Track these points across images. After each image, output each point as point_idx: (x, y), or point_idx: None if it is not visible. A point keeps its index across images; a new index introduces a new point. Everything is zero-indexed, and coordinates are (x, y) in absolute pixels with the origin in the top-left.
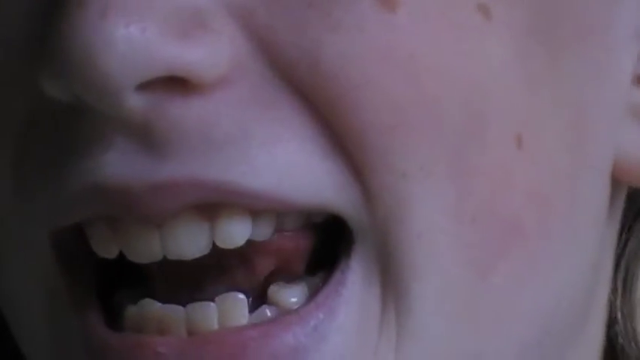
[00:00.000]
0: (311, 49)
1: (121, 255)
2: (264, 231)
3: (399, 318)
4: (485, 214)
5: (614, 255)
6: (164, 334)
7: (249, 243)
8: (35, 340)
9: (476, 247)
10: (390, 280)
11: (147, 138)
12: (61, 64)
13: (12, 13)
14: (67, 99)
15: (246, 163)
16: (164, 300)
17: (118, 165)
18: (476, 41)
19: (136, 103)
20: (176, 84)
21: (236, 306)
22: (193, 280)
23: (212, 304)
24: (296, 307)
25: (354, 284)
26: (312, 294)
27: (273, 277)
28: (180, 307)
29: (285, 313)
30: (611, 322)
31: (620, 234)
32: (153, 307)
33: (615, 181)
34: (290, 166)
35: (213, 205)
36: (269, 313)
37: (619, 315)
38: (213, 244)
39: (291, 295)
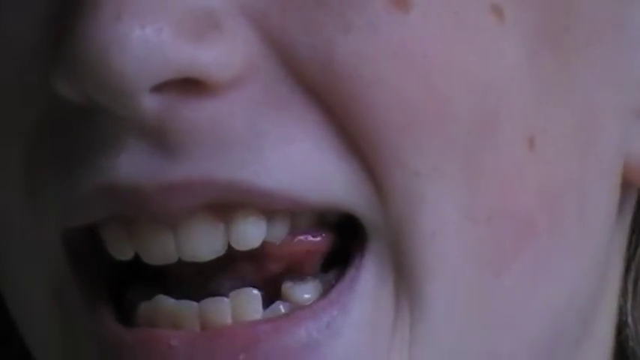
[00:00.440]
0: (324, 49)
1: (135, 255)
2: (278, 232)
3: (413, 316)
4: (497, 213)
5: (625, 258)
6: (177, 329)
7: (264, 244)
8: (46, 341)
9: (488, 246)
10: (404, 278)
11: (160, 139)
12: (75, 66)
13: (24, 14)
14: (80, 100)
15: (260, 163)
16: (177, 296)
17: (132, 166)
18: (488, 42)
19: (150, 104)
20: (190, 85)
21: (250, 301)
22: (207, 276)
23: (225, 299)
24: (309, 303)
25: (368, 281)
26: (326, 291)
27: (286, 274)
28: (193, 303)
29: (298, 309)
30: (621, 326)
31: (631, 237)
32: (166, 302)
33: (626, 184)
34: (303, 165)
35: (227, 206)
36: (282, 309)
37: (629, 319)
38: (228, 246)
39: (304, 291)
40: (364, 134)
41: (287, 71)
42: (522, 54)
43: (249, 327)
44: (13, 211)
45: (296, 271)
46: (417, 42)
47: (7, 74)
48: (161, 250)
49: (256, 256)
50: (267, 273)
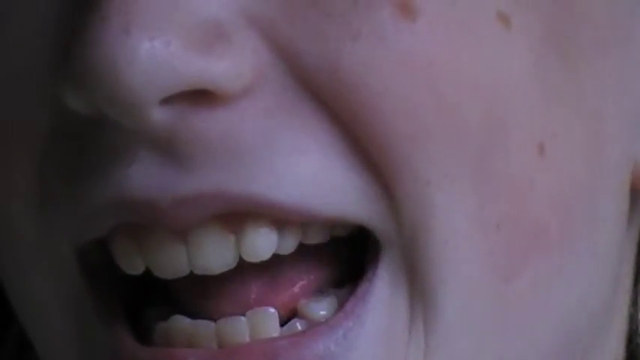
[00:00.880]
0: (331, 58)
1: (147, 270)
2: (289, 244)
3: (427, 325)
4: (508, 220)
5: (635, 267)
6: (194, 347)
7: (274, 257)
8: (61, 355)
9: (500, 253)
10: (418, 287)
11: (171, 151)
12: (84, 79)
13: (34, 25)
14: (89, 112)
15: (271, 175)
16: (193, 315)
17: (144, 178)
18: (495, 50)
19: (160, 117)
20: (200, 96)
21: (267, 320)
22: (222, 294)
23: (243, 318)
24: (325, 319)
25: (382, 292)
26: (341, 304)
27: (302, 291)
28: (210, 323)
29: (314, 325)
30: (631, 335)
31: None
32: (183, 323)
33: (634, 191)
34: (315, 177)
35: (238, 218)
36: (299, 327)
37: None
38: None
39: (320, 308)
40: (374, 144)
41: (296, 80)
42: (530, 60)
43: (268, 343)
44: (24, 224)
45: (310, 285)
46: (424, 51)
47: (16, 85)
48: (172, 263)
49: (268, 271)
50: (282, 288)
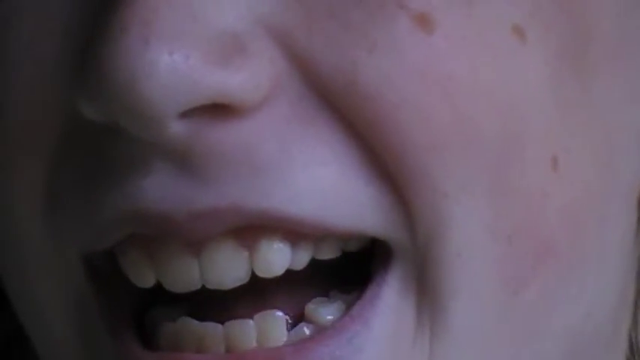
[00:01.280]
0: (348, 69)
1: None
2: (302, 260)
3: (434, 333)
4: (520, 233)
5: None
6: (202, 352)
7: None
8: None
9: (510, 265)
10: (427, 295)
11: (187, 163)
12: (102, 90)
13: (52, 28)
14: (104, 121)
15: (289, 188)
16: (201, 318)
17: (159, 191)
18: (511, 63)
19: (178, 129)
20: (218, 109)
21: (274, 324)
22: (231, 298)
23: (251, 321)
24: (332, 323)
25: (390, 297)
26: (348, 308)
27: (310, 295)
28: (218, 325)
29: (322, 330)
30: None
31: None
32: (191, 324)
33: None
34: (332, 190)
35: (252, 232)
36: (307, 332)
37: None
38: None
39: (328, 312)
40: (391, 156)
41: (312, 90)
42: (545, 74)
43: (274, 350)
44: (32, 229)
45: (318, 291)
46: (442, 63)
47: (31, 88)
48: (183, 277)
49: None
50: (290, 295)
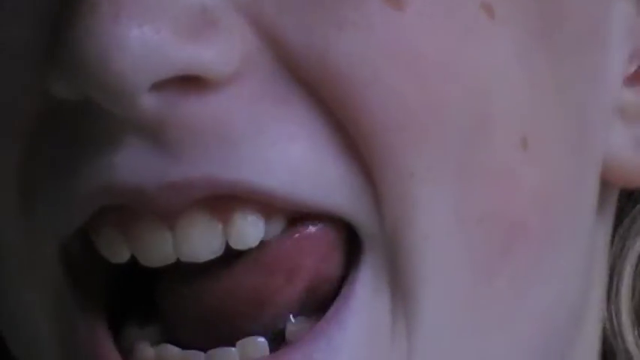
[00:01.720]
0: (319, 47)
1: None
2: (276, 230)
3: (409, 325)
4: (490, 215)
5: (610, 258)
6: None
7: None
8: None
9: (480, 249)
10: (399, 286)
11: (160, 137)
12: (73, 66)
13: (19, 14)
14: (76, 99)
15: (260, 162)
16: (183, 345)
17: (132, 165)
18: (480, 41)
19: (149, 103)
20: (189, 82)
21: (257, 350)
22: (212, 323)
23: (233, 349)
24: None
25: (363, 294)
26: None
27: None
28: (200, 353)
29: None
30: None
31: (613, 238)
32: (172, 352)
33: (605, 183)
34: (303, 164)
35: (226, 205)
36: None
37: (607, 314)
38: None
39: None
40: (359, 133)
41: (284, 67)
42: (513, 53)
43: None
44: (5, 224)
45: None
46: (413, 41)
47: (2, 70)
48: (158, 250)
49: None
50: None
